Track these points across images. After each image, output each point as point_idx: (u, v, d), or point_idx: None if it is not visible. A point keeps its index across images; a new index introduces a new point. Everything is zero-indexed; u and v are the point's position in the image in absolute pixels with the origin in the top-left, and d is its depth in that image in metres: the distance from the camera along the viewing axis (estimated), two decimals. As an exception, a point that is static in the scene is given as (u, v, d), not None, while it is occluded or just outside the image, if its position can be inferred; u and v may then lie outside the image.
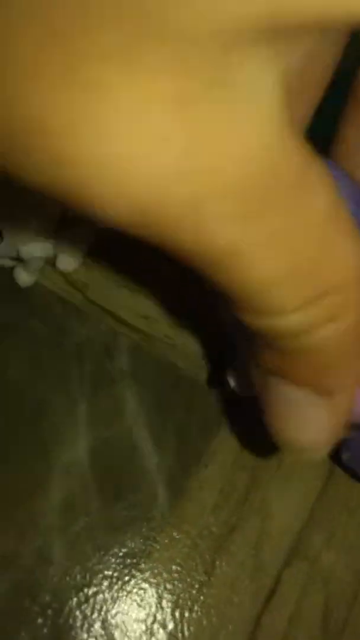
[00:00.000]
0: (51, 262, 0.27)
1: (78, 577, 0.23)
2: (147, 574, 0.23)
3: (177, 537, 0.24)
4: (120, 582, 0.23)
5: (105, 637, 0.22)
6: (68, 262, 0.27)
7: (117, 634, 0.22)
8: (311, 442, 0.16)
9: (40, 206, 0.20)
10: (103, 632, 0.22)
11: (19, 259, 0.26)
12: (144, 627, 0.22)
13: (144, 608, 0.22)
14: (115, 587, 0.23)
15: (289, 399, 0.15)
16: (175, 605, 0.23)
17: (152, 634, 0.22)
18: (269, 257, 0.12)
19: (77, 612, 0.22)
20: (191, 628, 0.22)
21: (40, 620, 0.22)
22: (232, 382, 0.21)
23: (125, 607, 0.22)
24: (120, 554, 0.23)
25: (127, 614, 0.22)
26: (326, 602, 0.24)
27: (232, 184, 0.10)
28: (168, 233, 0.11)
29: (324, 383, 0.14)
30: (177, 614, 0.23)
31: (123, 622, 0.22)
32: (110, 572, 0.23)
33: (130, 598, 0.23)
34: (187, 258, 0.12)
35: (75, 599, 0.22)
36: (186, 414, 0.26)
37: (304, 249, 0.12)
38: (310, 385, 0.14)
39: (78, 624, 0.22)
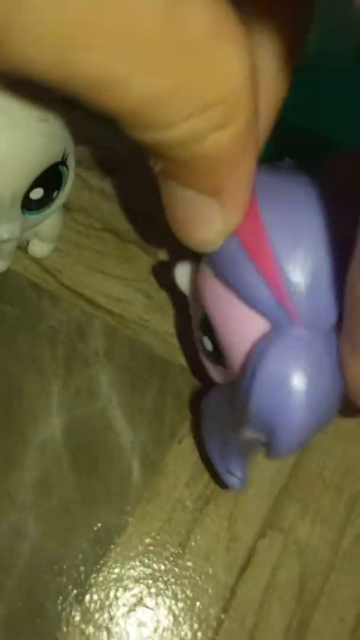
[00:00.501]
0: (23, 248, 0.27)
1: (53, 551, 0.23)
2: (121, 547, 0.23)
3: (152, 511, 0.24)
4: (95, 556, 0.23)
5: (79, 610, 0.22)
6: (40, 248, 0.27)
7: (92, 606, 0.22)
8: (205, 240, 0.17)
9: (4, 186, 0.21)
10: (78, 605, 0.22)
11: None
12: (120, 600, 0.22)
13: (119, 581, 0.23)
14: (90, 560, 0.23)
15: (184, 200, 0.16)
16: (151, 578, 0.23)
17: (127, 605, 0.22)
18: (148, 79, 0.12)
19: (52, 586, 0.22)
20: (166, 600, 0.23)
21: (15, 594, 0.22)
22: (178, 279, 0.21)
23: (100, 580, 0.23)
24: (95, 528, 0.23)
25: (102, 586, 0.23)
26: (301, 572, 0.24)
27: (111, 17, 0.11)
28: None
29: (214, 184, 0.15)
30: (152, 586, 0.23)
31: (98, 594, 0.22)
32: (85, 546, 0.23)
33: (106, 571, 0.23)
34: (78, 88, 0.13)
35: (50, 573, 0.22)
36: (160, 393, 0.26)
37: (186, 67, 0.13)
38: (203, 187, 0.15)
39: (53, 597, 0.22)
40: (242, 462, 0.21)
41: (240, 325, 0.18)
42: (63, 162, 0.22)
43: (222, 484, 0.22)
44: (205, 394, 0.22)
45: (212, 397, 0.22)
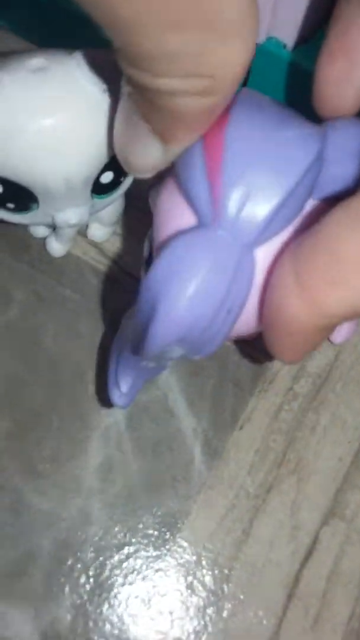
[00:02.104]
0: (82, 232, 0.27)
1: (119, 536, 0.23)
2: (186, 533, 0.23)
3: (215, 497, 0.24)
4: (160, 541, 0.23)
5: (146, 594, 0.22)
6: (100, 232, 0.27)
7: (157, 590, 0.23)
8: (140, 168, 0.18)
9: (76, 171, 0.21)
10: (144, 589, 0.22)
11: (52, 228, 0.26)
12: (184, 585, 0.23)
13: (184, 566, 0.23)
14: (155, 545, 0.23)
15: (138, 131, 0.17)
16: (214, 564, 0.23)
17: (192, 590, 0.23)
18: (164, 33, 0.13)
19: (118, 570, 0.23)
20: (230, 585, 0.23)
21: (83, 578, 0.22)
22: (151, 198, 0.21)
23: (165, 565, 0.23)
24: (159, 513, 0.23)
25: (167, 571, 0.23)
26: (364, 560, 0.24)
27: None
28: None
29: (168, 132, 0.17)
30: (216, 572, 0.23)
31: (163, 579, 0.23)
32: (150, 531, 0.23)
33: (170, 556, 0.23)
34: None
35: (116, 557, 0.23)
36: (220, 380, 0.26)
37: (201, 36, 0.13)
38: (156, 128, 0.17)
39: (119, 581, 0.22)
40: (133, 379, 0.21)
41: (174, 219, 0.18)
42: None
43: (108, 401, 0.22)
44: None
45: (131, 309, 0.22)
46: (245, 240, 0.17)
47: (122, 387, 0.21)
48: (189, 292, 0.16)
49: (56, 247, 0.27)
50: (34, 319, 0.26)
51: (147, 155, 0.18)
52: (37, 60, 0.20)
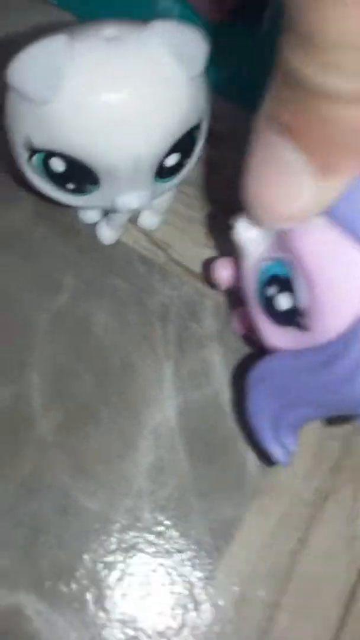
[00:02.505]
0: (133, 220, 0.26)
1: (170, 541, 0.22)
2: (240, 540, 0.22)
3: (269, 504, 0.23)
4: (212, 549, 0.22)
5: (201, 597, 0.21)
6: (151, 219, 0.26)
7: (211, 597, 0.21)
8: (284, 215, 0.15)
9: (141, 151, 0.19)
10: (195, 598, 0.21)
11: (104, 213, 0.25)
12: (237, 596, 0.21)
13: (238, 575, 0.22)
14: (208, 552, 0.22)
15: (284, 162, 0.14)
16: (269, 573, 0.22)
17: (244, 599, 0.21)
18: None
19: (168, 578, 0.21)
20: (285, 596, 0.22)
21: (131, 584, 0.21)
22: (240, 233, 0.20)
23: (218, 573, 0.22)
24: (212, 519, 0.22)
25: (220, 579, 0.22)
26: None
27: None
28: None
29: (329, 156, 0.13)
30: (271, 581, 0.22)
31: (216, 589, 0.21)
32: (203, 538, 0.22)
33: (224, 563, 0.22)
34: None
35: (168, 563, 0.21)
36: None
37: None
38: (318, 156, 0.13)
39: (169, 589, 0.21)
40: (295, 433, 0.21)
41: (349, 276, 0.17)
42: (198, 127, 0.21)
43: (265, 460, 0.22)
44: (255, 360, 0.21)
45: (270, 365, 0.20)
46: None
47: (289, 445, 0.20)
48: None
49: (107, 234, 0.25)
50: (84, 306, 0.25)
51: (296, 197, 0.14)
52: (111, 30, 0.19)
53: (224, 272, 0.23)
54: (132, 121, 0.18)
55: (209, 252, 0.26)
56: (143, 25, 0.19)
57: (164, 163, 0.21)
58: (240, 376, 0.24)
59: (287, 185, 0.14)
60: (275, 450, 0.20)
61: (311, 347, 0.19)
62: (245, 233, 0.19)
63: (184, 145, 0.21)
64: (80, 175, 0.20)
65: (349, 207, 0.15)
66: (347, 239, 0.16)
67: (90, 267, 0.25)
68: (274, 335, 0.20)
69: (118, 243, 0.26)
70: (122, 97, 0.18)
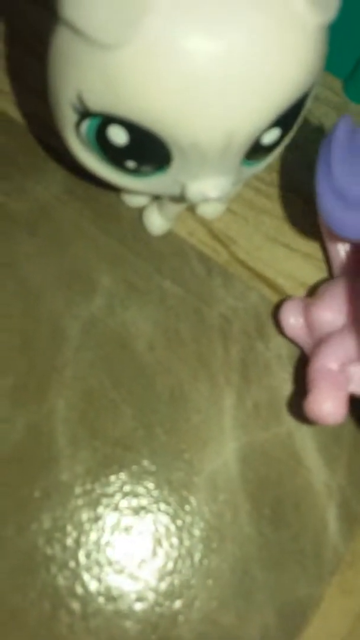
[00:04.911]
0: (190, 206, 0.21)
1: (228, 624, 0.17)
2: (317, 626, 0.17)
3: (354, 579, 0.18)
4: (283, 635, 0.17)
5: None
6: (213, 207, 0.21)
7: None
8: None
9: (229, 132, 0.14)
10: None
11: (157, 196, 0.19)
12: None
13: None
14: (279, 645, 0.17)
15: None
16: (353, 673, 0.17)
17: None
18: None
19: None
20: None
21: None
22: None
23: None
24: (282, 599, 0.17)
25: None
26: None
27: None
28: None
29: None
30: None
31: None
32: (270, 622, 0.17)
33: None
34: None
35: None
36: None
37: None
38: None
39: None
40: None
41: None
42: (308, 94, 0.16)
43: None
44: None
45: None
46: None
47: None
48: None
49: (157, 223, 0.20)
50: (124, 315, 0.19)
51: None
52: None
53: (290, 317, 0.18)
54: (235, 79, 0.13)
55: (283, 251, 0.21)
56: None
57: (260, 140, 0.15)
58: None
59: None
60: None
61: None
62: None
63: (288, 117, 0.15)
64: (147, 151, 0.15)
65: None
66: None
67: (134, 263, 0.20)
68: None
69: (170, 235, 0.20)
70: (222, 47, 0.13)
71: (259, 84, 0.13)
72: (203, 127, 0.14)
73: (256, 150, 0.16)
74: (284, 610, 0.17)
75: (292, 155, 0.22)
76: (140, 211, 0.20)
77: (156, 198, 0.20)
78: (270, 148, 0.16)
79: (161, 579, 0.17)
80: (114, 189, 0.20)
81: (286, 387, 0.20)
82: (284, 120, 0.15)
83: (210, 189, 0.16)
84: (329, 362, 0.17)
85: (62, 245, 0.20)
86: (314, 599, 0.18)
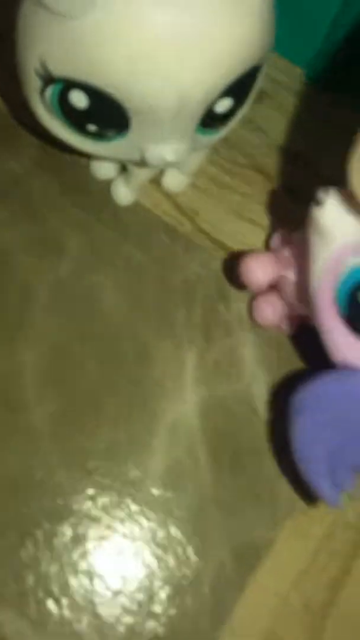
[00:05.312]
0: (155, 179, 0.22)
1: (187, 561, 0.18)
2: (270, 567, 0.19)
3: (307, 524, 0.19)
4: (236, 575, 0.18)
5: (218, 635, 0.18)
6: (178, 181, 0.22)
7: (229, 638, 0.18)
8: None
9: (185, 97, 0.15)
10: (216, 630, 0.18)
11: (122, 168, 0.21)
12: (265, 632, 0.18)
13: (265, 609, 0.18)
14: (230, 580, 0.18)
15: None
16: (305, 607, 0.18)
17: (278, 615, 0.18)
18: None
19: (190, 607, 0.18)
20: (324, 637, 0.18)
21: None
22: None
23: (241, 608, 0.18)
24: (237, 539, 0.19)
25: (243, 615, 0.18)
26: None
27: None
28: None
29: None
30: (307, 619, 0.18)
31: (239, 623, 0.18)
32: (225, 560, 0.18)
33: (249, 595, 0.18)
34: None
35: (183, 591, 0.18)
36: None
37: None
38: None
39: (187, 619, 0.18)
40: (355, 474, 0.17)
41: None
42: (259, 67, 0.17)
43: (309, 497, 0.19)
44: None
45: (327, 388, 0.17)
46: None
47: (346, 487, 0.17)
48: None
49: (123, 194, 0.21)
50: (90, 278, 0.21)
51: None
52: None
53: (259, 272, 0.19)
54: (186, 44, 0.14)
55: (245, 225, 0.22)
56: None
57: (213, 108, 0.17)
58: (276, 370, 0.21)
59: None
60: (329, 493, 0.17)
61: None
62: (334, 213, 0.15)
63: (240, 88, 0.17)
64: (106, 114, 0.16)
65: None
66: None
67: (101, 231, 0.21)
68: (351, 349, 0.16)
69: (136, 206, 0.22)
70: (173, 13, 0.14)
71: (207, 51, 0.15)
72: (155, 90, 0.15)
73: (211, 119, 0.17)
74: (239, 550, 0.19)
75: (254, 135, 0.23)
76: (108, 184, 0.21)
77: (123, 170, 0.21)
78: (224, 118, 0.18)
79: (118, 507, 0.18)
80: (84, 164, 0.21)
81: (245, 347, 0.21)
82: (236, 91, 0.17)
83: (167, 152, 0.17)
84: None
85: (32, 213, 0.21)
86: (268, 541, 0.19)
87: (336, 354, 0.16)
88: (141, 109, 0.16)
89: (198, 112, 0.16)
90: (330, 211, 0.15)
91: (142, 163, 0.18)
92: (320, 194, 0.16)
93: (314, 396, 0.17)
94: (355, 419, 0.16)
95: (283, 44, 0.21)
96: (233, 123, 0.18)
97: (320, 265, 0.16)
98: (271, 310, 0.20)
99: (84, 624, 0.17)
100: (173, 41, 0.14)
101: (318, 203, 0.15)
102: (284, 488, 0.19)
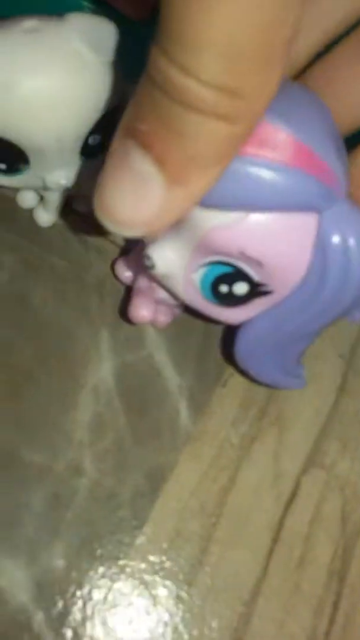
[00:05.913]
0: (69, 204, 0.28)
1: (110, 487, 0.24)
2: (174, 482, 0.24)
3: (200, 448, 0.25)
4: (150, 490, 0.24)
5: (134, 540, 0.23)
6: (85, 202, 0.28)
7: (146, 536, 0.23)
8: (129, 219, 0.15)
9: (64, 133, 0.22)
10: (132, 535, 0.23)
11: (40, 197, 0.27)
12: (172, 530, 0.24)
13: (172, 514, 0.24)
14: (146, 494, 0.24)
15: (136, 169, 0.14)
16: (202, 510, 0.24)
17: (179, 534, 0.24)
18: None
19: (111, 518, 0.23)
20: (217, 529, 0.24)
21: (75, 527, 0.23)
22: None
23: (154, 512, 0.24)
24: (148, 465, 0.24)
25: (158, 518, 0.24)
26: (343, 506, 0.25)
27: None
28: None
29: (181, 169, 0.14)
30: (203, 516, 0.24)
31: (152, 527, 0.23)
32: (140, 481, 0.24)
33: (161, 504, 0.24)
34: None
35: (108, 507, 0.24)
36: (205, 340, 0.27)
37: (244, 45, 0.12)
38: (167, 165, 0.14)
39: (111, 528, 0.23)
40: (300, 361, 0.24)
41: (292, 236, 0.19)
42: (117, 109, 0.23)
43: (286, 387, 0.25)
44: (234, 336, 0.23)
45: (251, 336, 0.22)
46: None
47: (301, 373, 0.24)
48: None
49: (44, 217, 0.28)
50: (23, 284, 0.27)
51: (146, 206, 0.14)
52: (30, 22, 0.21)
53: (125, 274, 0.26)
54: (52, 104, 0.21)
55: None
56: (60, 18, 0.21)
57: (88, 141, 0.23)
58: (175, 339, 0.27)
59: (137, 194, 0.14)
60: (293, 383, 0.24)
61: (283, 298, 0.20)
62: (164, 260, 0.20)
63: (104, 126, 0.23)
64: (10, 155, 0.22)
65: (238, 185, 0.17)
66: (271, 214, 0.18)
67: (29, 248, 0.27)
68: (236, 315, 0.22)
69: (55, 225, 0.28)
70: (43, 81, 0.21)
71: (70, 106, 0.21)
72: (39, 135, 0.22)
73: (89, 149, 0.24)
74: (150, 472, 0.24)
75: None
76: (31, 211, 0.28)
77: (41, 198, 0.27)
78: (99, 148, 0.24)
79: (55, 459, 0.24)
80: (12, 195, 0.27)
81: (150, 325, 0.27)
82: (101, 129, 0.23)
83: (61, 177, 0.24)
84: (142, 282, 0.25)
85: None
86: (171, 463, 0.24)
87: (233, 322, 0.22)
88: (32, 148, 0.22)
89: (76, 146, 0.23)
90: (160, 261, 0.21)
91: (46, 188, 0.24)
92: (145, 255, 0.21)
93: (245, 349, 0.23)
94: (282, 335, 0.22)
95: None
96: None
97: (177, 291, 0.22)
98: (145, 311, 0.24)
99: None
100: (44, 102, 0.21)
101: (147, 260, 0.21)
102: (182, 424, 0.25)
